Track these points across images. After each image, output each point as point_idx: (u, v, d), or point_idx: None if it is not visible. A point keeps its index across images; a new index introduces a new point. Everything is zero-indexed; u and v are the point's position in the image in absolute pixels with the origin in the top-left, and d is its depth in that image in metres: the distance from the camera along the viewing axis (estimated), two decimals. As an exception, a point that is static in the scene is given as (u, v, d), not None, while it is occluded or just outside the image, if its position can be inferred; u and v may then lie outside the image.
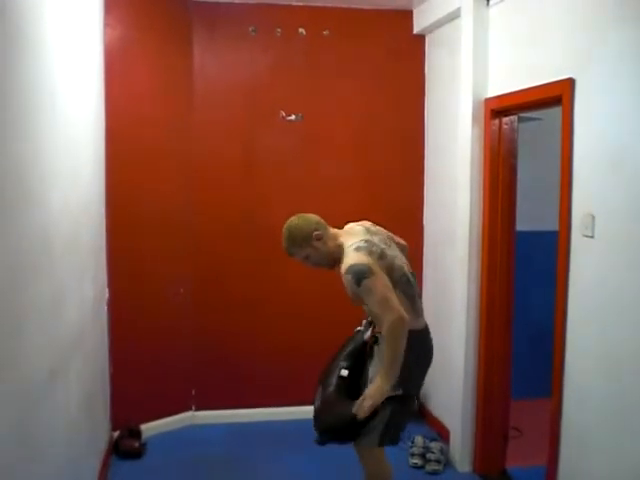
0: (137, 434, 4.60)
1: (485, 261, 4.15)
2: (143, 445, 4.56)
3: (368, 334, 3.47)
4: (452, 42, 4.51)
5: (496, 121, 4.08)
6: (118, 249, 4.51)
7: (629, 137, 2.86)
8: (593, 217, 3.05)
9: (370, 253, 3.18)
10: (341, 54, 5.07)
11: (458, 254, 4.36)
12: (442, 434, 4.71)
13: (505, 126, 4.08)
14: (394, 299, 3.11)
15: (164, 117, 4.76)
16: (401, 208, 5.18)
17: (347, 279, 3.12)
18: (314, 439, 3.39)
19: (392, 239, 3.51)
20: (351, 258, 3.17)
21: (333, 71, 5.08)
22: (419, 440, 4.50)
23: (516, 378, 4.34)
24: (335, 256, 3.28)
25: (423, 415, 5.15)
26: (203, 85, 4.91)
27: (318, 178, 5.05)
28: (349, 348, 3.50)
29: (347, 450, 3.41)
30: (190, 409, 5.07)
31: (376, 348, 3.36)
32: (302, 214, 3.41)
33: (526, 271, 4.57)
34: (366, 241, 3.26)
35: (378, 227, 3.51)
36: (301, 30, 4.96)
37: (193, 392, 5.06)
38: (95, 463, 3.94)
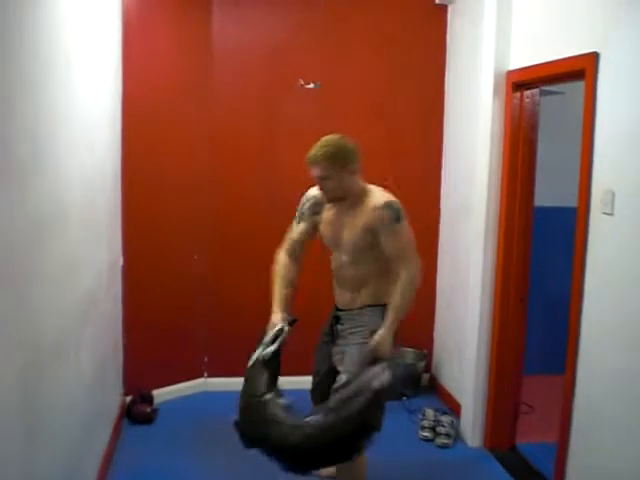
0: (149, 400, 4.64)
1: (502, 236, 4.11)
2: (155, 411, 4.59)
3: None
4: (475, 13, 4.42)
5: (518, 94, 4.00)
6: (133, 216, 4.50)
7: (654, 114, 2.80)
8: (613, 194, 2.99)
9: None
10: (361, 23, 5.00)
11: (475, 228, 4.32)
12: (453, 408, 4.71)
13: (527, 99, 4.01)
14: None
15: (183, 82, 4.72)
16: (418, 179, 5.13)
17: (382, 214, 3.06)
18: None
19: None
20: (386, 196, 3.14)
21: (353, 39, 5.01)
22: (430, 413, 4.50)
23: (529, 354, 4.33)
24: (352, 192, 3.15)
25: (435, 388, 5.15)
26: (222, 49, 4.85)
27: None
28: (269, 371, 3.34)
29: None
30: (202, 376, 5.10)
31: (339, 327, 3.31)
32: (350, 140, 3.19)
33: (544, 248, 4.53)
34: None
35: None
36: (322, -4, 4.89)
37: (205, 359, 5.09)
38: (107, 428, 3.98)
